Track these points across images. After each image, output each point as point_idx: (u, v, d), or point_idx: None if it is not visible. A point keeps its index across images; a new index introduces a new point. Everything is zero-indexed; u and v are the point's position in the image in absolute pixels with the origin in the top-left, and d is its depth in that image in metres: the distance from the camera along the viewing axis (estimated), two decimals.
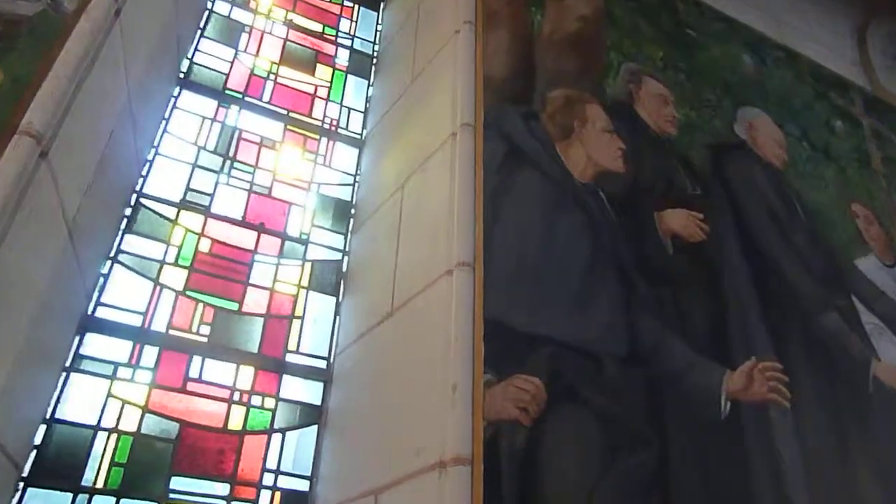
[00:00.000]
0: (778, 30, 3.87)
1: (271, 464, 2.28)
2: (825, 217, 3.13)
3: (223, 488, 2.18)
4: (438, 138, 2.39)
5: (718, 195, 2.78)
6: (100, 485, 1.99)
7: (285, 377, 2.45)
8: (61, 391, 2.04)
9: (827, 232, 3.09)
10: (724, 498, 2.03)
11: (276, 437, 2.33)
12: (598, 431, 1.90)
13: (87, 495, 1.96)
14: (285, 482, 2.27)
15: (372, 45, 3.53)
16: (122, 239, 2.38)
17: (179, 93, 2.83)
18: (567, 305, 2.09)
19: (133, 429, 2.11)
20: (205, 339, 2.38)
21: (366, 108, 3.28)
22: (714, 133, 3.05)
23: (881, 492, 2.35)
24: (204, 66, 2.96)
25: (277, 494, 2.24)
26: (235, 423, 2.30)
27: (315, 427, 2.40)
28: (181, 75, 2.87)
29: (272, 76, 3.13)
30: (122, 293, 2.32)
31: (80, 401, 2.08)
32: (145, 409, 2.16)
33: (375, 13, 3.65)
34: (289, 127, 3.03)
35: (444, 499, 1.64)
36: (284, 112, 3.05)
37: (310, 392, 2.48)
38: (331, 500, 2.15)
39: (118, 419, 2.10)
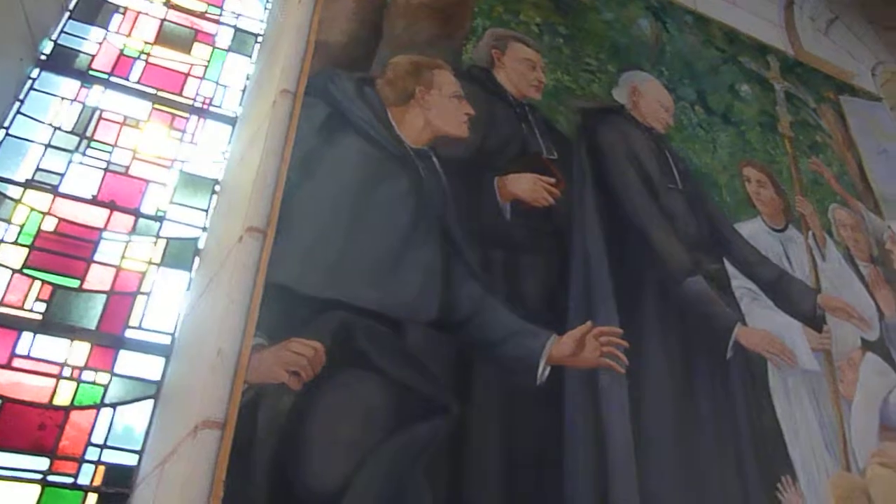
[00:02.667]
0: None
1: (98, 439, 2.27)
2: (710, 180, 3.04)
3: (42, 463, 2.17)
4: (265, 108, 2.36)
5: (580, 159, 2.70)
6: None
7: (127, 354, 2.44)
8: None
9: (710, 195, 2.99)
10: (529, 467, 1.96)
11: (107, 413, 2.32)
12: (386, 398, 1.86)
13: None
14: (112, 457, 2.26)
15: (260, 23, 3.50)
16: None
17: (39, 74, 2.83)
18: (373, 271, 2.04)
19: None
20: (38, 316, 2.38)
21: (245, 86, 3.25)
22: (590, 97, 2.97)
23: (726, 461, 2.27)
24: (68, 48, 2.96)
25: (101, 469, 2.23)
26: (63, 399, 2.29)
27: (151, 402, 2.38)
28: (42, 57, 2.87)
29: (144, 56, 3.12)
30: None
31: None
32: None
33: None
34: (156, 106, 3.01)
35: (193, 462, 1.62)
36: (153, 91, 3.04)
37: (151, 368, 2.47)
38: (143, 474, 2.14)
39: None
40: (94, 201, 2.67)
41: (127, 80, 3.02)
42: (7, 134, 2.64)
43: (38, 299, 2.41)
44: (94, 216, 2.65)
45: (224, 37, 3.37)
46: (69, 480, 2.16)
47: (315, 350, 1.81)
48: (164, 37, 3.21)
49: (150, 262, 2.65)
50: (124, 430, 2.38)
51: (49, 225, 2.55)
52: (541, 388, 2.06)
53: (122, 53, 3.08)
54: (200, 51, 3.28)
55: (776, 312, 2.79)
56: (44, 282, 2.44)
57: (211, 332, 1.89)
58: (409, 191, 2.26)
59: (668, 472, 2.14)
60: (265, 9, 3.55)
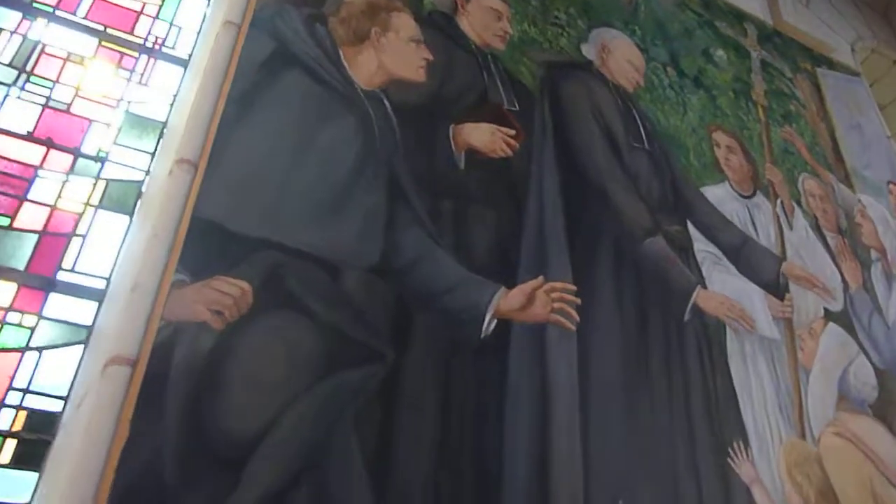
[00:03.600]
0: None
1: (22, 384, 2.16)
2: (678, 142, 2.95)
3: None
4: (210, 43, 2.24)
5: (542, 112, 2.60)
6: None
7: (58, 297, 2.32)
8: None
9: (677, 157, 2.90)
10: (467, 421, 1.88)
11: (33, 357, 2.21)
12: (317, 342, 1.76)
13: None
14: (36, 402, 2.15)
15: None
16: None
17: None
18: (311, 211, 1.94)
19: None
20: None
21: (200, 28, 3.11)
22: (557, 51, 2.86)
23: (676, 423, 2.21)
24: None
25: (23, 414, 2.12)
26: None
27: (81, 347, 2.27)
28: None
29: None
30: None
31: None
32: None
33: None
34: (104, 43, 2.86)
35: (101, 401, 1.52)
36: (101, 28, 2.89)
37: (84, 312, 2.35)
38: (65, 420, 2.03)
39: None
40: (30, 137, 2.52)
41: (74, 14, 2.87)
42: None
43: None
44: (29, 153, 2.51)
45: None
46: None
47: (242, 290, 1.71)
48: None
49: (87, 204, 2.53)
50: (51, 375, 2.28)
51: None
52: (484, 340, 1.97)
53: None
54: None
55: (737, 278, 2.73)
56: None
57: (133, 269, 1.78)
58: (357, 132, 2.15)
59: (613, 431, 2.08)
60: None
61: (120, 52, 2.89)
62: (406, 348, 1.86)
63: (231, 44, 2.09)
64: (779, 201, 3.12)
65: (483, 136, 2.36)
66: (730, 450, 2.32)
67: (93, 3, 2.94)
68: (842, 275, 3.13)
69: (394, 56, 2.35)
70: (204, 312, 1.65)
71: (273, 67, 2.12)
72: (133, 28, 2.98)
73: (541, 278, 2.14)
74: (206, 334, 1.64)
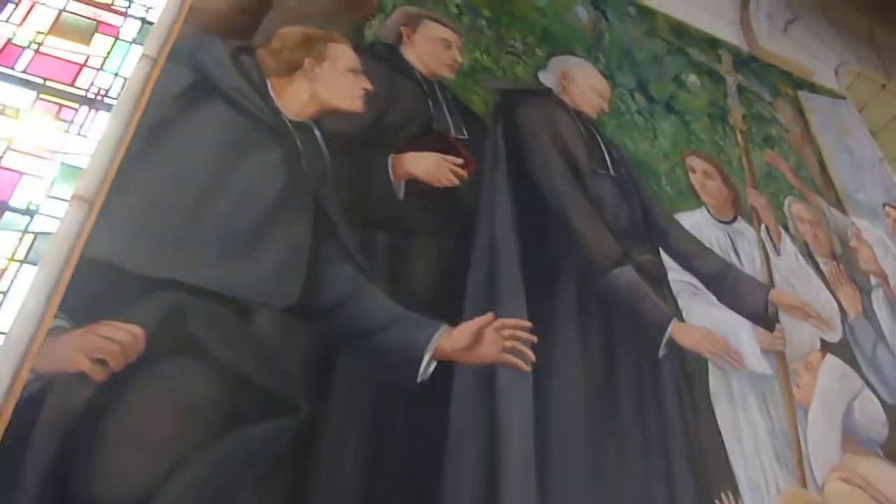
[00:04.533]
0: None
1: None
2: (648, 168, 2.77)
3: None
4: None
5: (495, 140, 2.44)
6: None
7: None
8: None
9: (648, 184, 2.71)
10: (398, 479, 1.63)
11: None
12: (215, 393, 1.55)
13: None
14: None
15: None
16: None
17: None
18: (222, 248, 1.75)
19: None
20: None
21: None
22: (512, 79, 2.72)
23: (653, 474, 1.94)
24: None
25: None
26: None
27: None
28: None
29: (34, 45, 2.89)
30: None
31: None
32: None
33: None
34: (42, 95, 2.77)
35: None
36: (40, 81, 2.80)
37: None
38: None
39: None
40: None
41: (12, 69, 2.79)
42: None
43: None
44: None
45: (130, 28, 3.15)
46: None
47: (132, 335, 1.51)
48: (60, 27, 2.99)
49: (12, 259, 2.38)
50: None
51: None
52: (422, 385, 1.74)
53: (9, 41, 2.86)
54: (102, 42, 3.06)
55: (720, 309, 2.48)
56: None
57: (12, 315, 1.59)
58: (282, 164, 1.98)
59: (577, 488, 1.81)
60: None
61: (59, 103, 2.79)
62: (326, 398, 1.63)
63: (144, 77, 1.96)
64: (763, 226, 2.90)
65: (426, 165, 2.19)
66: (717, 502, 2.04)
67: (33, 57, 2.87)
68: (839, 303, 2.88)
69: (329, 86, 2.22)
70: (83, 361, 1.44)
71: (190, 99, 1.98)
72: (74, 80, 2.90)
73: (490, 314, 1.92)
74: (83, 387, 1.42)
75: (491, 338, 1.89)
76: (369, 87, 2.27)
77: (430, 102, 2.42)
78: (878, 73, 4.40)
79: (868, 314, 2.92)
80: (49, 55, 2.90)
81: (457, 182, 2.21)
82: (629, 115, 2.91)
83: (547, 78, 2.80)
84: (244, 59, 2.18)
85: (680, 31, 3.55)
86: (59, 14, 3.04)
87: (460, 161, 2.27)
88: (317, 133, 2.11)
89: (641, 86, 3.09)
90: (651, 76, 3.16)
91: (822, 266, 2.99)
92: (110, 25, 3.12)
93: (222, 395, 1.54)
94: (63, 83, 2.85)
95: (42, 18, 2.97)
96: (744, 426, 2.27)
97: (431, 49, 2.58)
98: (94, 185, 1.71)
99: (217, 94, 2.04)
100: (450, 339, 1.84)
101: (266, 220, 1.85)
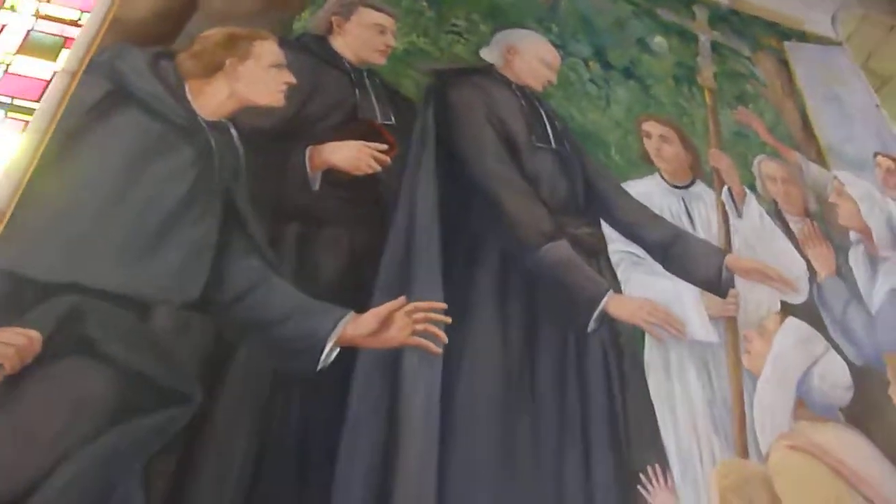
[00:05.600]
0: None
1: None
2: (596, 139, 2.70)
3: None
4: None
5: (424, 122, 2.43)
6: None
7: None
8: None
9: (595, 155, 2.65)
10: (287, 467, 1.68)
11: None
12: (109, 388, 1.62)
13: None
14: None
15: None
16: None
17: None
18: (124, 250, 1.82)
19: None
20: None
21: None
22: (451, 59, 2.70)
23: (569, 451, 1.91)
24: None
25: None
26: None
27: None
28: None
29: (2, 66, 3.05)
30: None
31: None
32: None
33: None
34: (10, 113, 2.92)
35: None
36: (8, 100, 2.96)
37: None
38: None
39: None
40: None
41: None
42: None
43: None
44: None
45: None
46: None
47: (29, 339, 1.60)
48: (28, 45, 3.15)
49: None
50: None
51: None
52: (323, 373, 1.77)
53: None
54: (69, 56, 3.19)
55: (665, 277, 2.41)
56: None
57: None
58: (193, 164, 2.03)
59: (482, 465, 1.81)
60: None
61: (25, 121, 2.94)
62: (221, 388, 1.69)
63: (61, 91, 2.05)
64: (725, 188, 2.78)
65: (345, 154, 2.21)
66: (642, 476, 1.99)
67: (2, 78, 3.03)
68: (808, 262, 2.74)
69: (249, 83, 2.25)
70: None
71: (104, 109, 2.05)
72: (40, 97, 3.04)
73: (402, 298, 1.93)
74: None
75: (400, 322, 1.90)
76: (292, 80, 2.30)
77: (356, 90, 2.43)
78: (887, 14, 4.11)
79: (842, 272, 2.76)
80: (17, 74, 3.06)
81: (378, 168, 2.22)
82: (579, 84, 2.84)
83: (489, 53, 2.76)
84: (163, 65, 2.23)
85: None
86: (28, 34, 3.20)
87: (384, 147, 2.28)
88: (232, 131, 2.16)
89: (598, 53, 3.00)
90: (610, 42, 3.06)
91: (792, 226, 2.85)
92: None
93: (114, 390, 1.62)
94: (29, 100, 3.01)
95: (10, 40, 3.13)
96: (679, 398, 2.21)
97: (364, 36, 2.58)
98: (4, 199, 1.80)
99: (131, 102, 2.10)
100: (355, 325, 1.86)
101: (172, 220, 1.91)
